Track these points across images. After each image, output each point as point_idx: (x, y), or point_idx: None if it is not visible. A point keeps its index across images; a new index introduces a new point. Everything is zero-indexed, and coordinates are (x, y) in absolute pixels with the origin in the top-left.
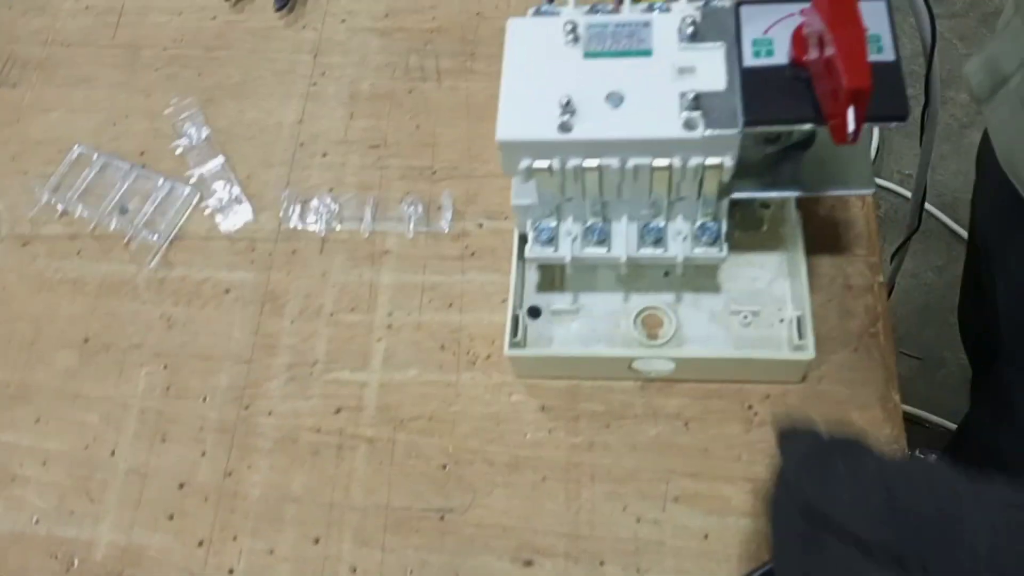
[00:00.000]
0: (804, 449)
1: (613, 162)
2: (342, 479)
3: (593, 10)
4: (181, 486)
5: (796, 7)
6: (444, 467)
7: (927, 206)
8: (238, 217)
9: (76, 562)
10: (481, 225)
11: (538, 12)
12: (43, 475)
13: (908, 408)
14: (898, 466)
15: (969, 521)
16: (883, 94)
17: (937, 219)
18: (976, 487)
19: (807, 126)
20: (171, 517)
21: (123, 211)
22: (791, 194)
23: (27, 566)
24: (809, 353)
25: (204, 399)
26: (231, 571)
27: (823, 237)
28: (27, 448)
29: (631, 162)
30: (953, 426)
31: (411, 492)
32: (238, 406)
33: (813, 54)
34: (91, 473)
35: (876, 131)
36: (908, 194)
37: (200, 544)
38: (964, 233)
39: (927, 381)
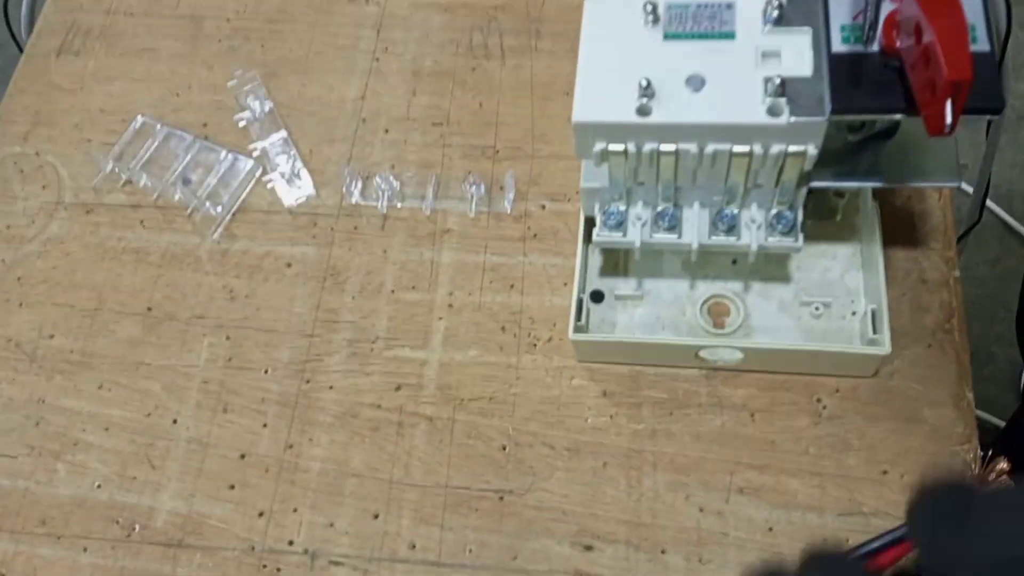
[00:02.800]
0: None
1: (691, 147)
2: (402, 456)
3: None
4: (242, 457)
5: None
6: (504, 449)
7: None
8: (300, 192)
9: (137, 528)
10: (543, 207)
11: None
12: (105, 441)
13: None
14: None
15: None
16: (979, 86)
17: (991, 211)
18: None
19: (896, 116)
20: (232, 487)
21: (186, 182)
22: (873, 184)
23: (89, 530)
24: (885, 348)
25: (266, 371)
26: (291, 542)
27: (898, 229)
28: (89, 414)
29: (710, 148)
30: (1001, 422)
31: (470, 472)
32: (299, 380)
33: (907, 42)
34: (153, 441)
35: None
36: (964, 186)
37: (260, 515)
38: (1018, 226)
39: (975, 376)
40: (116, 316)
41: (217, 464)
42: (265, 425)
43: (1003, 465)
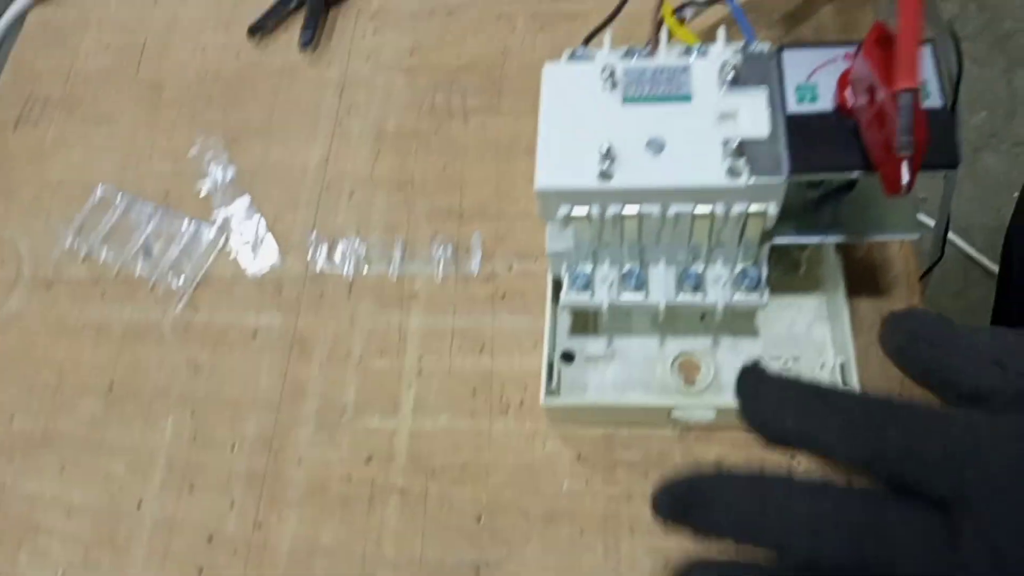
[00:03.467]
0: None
1: (654, 209)
2: (373, 531)
3: (629, 54)
4: (210, 539)
5: (840, 51)
6: (478, 519)
7: None
8: (264, 260)
9: None
10: (511, 267)
11: (573, 56)
12: (68, 526)
13: None
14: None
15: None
16: (934, 142)
17: (952, 244)
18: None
19: (854, 173)
20: (200, 571)
21: (148, 254)
22: (834, 239)
23: None
24: None
25: (232, 447)
26: None
27: (861, 279)
28: (51, 498)
29: (672, 209)
30: None
31: (444, 545)
32: (267, 454)
33: (861, 101)
34: (117, 524)
35: None
36: (925, 218)
37: None
38: (981, 258)
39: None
40: (78, 393)
41: (184, 547)
42: (232, 504)
43: None
